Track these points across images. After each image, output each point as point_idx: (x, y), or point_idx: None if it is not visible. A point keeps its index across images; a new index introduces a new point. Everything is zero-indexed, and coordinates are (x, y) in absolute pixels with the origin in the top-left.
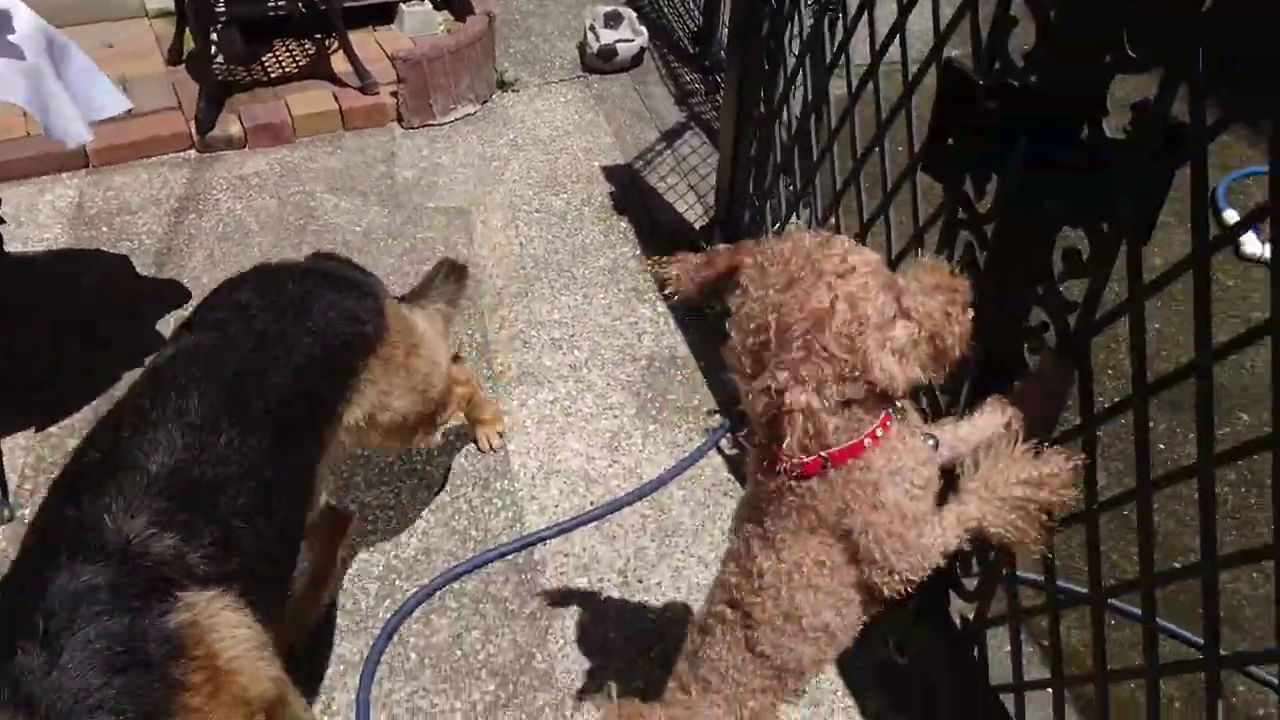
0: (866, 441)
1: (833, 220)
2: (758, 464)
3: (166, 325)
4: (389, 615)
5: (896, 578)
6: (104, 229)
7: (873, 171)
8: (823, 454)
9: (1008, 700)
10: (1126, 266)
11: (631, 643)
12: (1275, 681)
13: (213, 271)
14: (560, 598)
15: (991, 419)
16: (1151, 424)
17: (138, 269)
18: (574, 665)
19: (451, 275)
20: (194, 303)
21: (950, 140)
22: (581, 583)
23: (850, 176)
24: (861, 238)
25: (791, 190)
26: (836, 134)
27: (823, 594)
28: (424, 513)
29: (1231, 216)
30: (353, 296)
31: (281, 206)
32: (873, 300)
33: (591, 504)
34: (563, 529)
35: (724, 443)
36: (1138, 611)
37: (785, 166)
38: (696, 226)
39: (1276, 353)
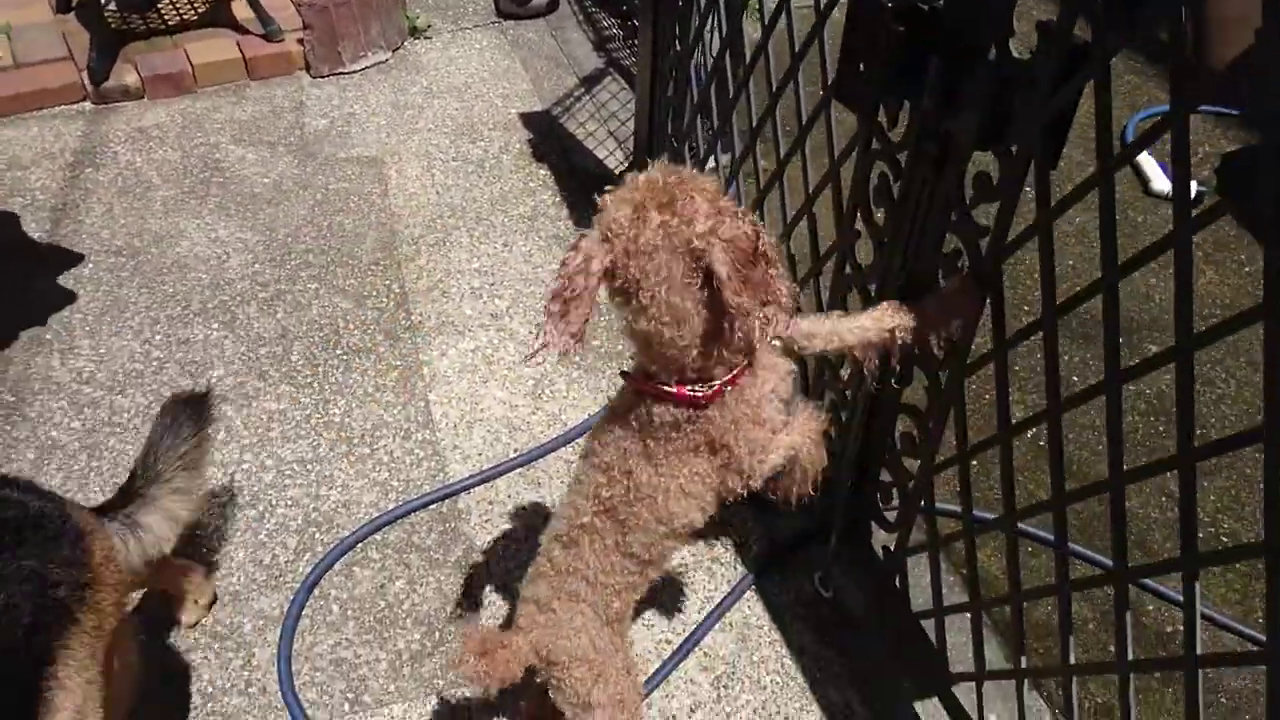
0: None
1: (750, 160)
2: (647, 399)
3: (65, 282)
4: (309, 569)
5: (749, 481)
6: None
7: (790, 108)
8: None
9: (928, 626)
10: (1035, 190)
11: None
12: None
13: (112, 226)
14: (486, 545)
15: (879, 320)
16: (1063, 356)
17: (31, 226)
18: (501, 611)
19: (185, 425)
20: (92, 260)
21: (861, 65)
22: (506, 529)
23: (766, 112)
24: (779, 175)
25: (709, 130)
26: (751, 70)
27: (694, 500)
28: (342, 465)
29: (1142, 157)
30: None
31: (185, 159)
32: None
33: (515, 451)
34: (486, 476)
35: None
36: (1050, 537)
37: (702, 106)
38: (616, 171)
39: (1179, 278)
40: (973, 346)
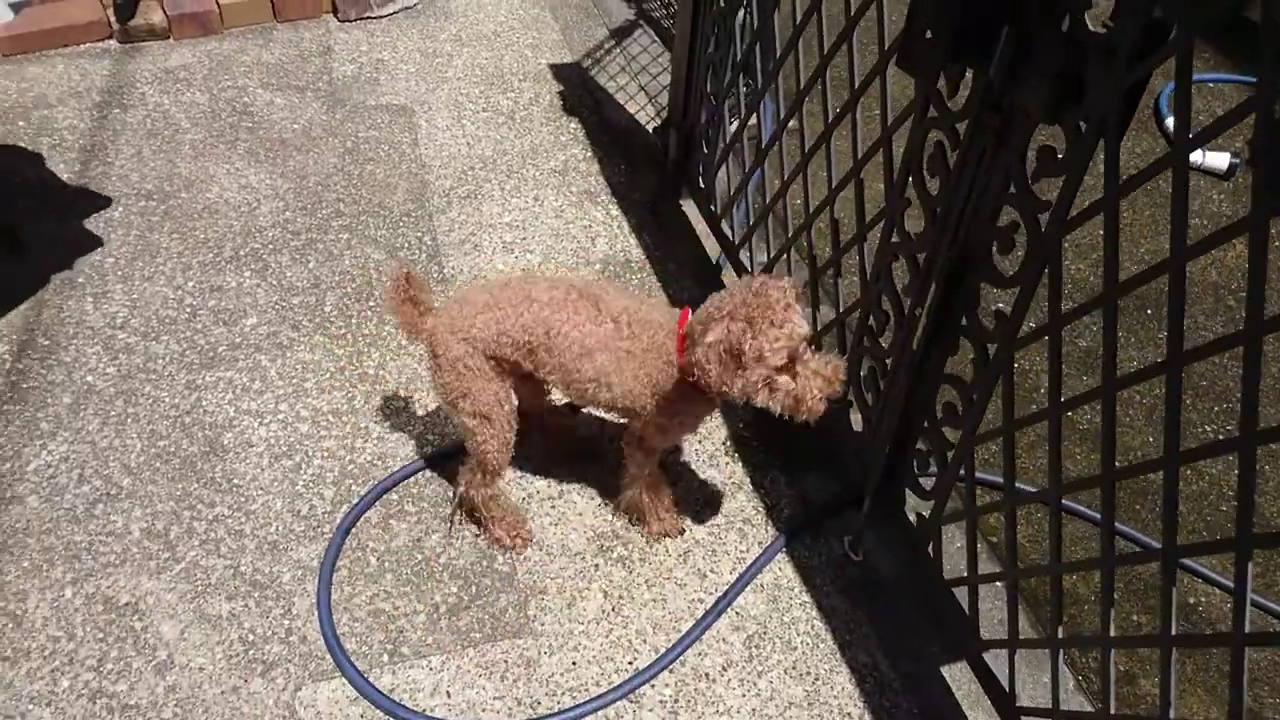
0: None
1: (794, 122)
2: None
3: (95, 226)
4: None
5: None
6: (21, 123)
7: (839, 71)
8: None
9: (960, 594)
10: (1105, 165)
11: (593, 543)
12: (1218, 578)
13: (141, 169)
14: (521, 501)
15: None
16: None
17: (60, 167)
18: (536, 566)
19: None
20: (122, 203)
21: (927, 31)
22: (541, 485)
23: (816, 73)
24: (826, 139)
25: (750, 90)
26: (802, 28)
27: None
28: (378, 417)
29: (1173, 124)
30: None
31: (213, 102)
32: (774, 351)
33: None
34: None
35: None
36: (1092, 513)
37: (745, 64)
38: (649, 128)
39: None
40: (1024, 319)
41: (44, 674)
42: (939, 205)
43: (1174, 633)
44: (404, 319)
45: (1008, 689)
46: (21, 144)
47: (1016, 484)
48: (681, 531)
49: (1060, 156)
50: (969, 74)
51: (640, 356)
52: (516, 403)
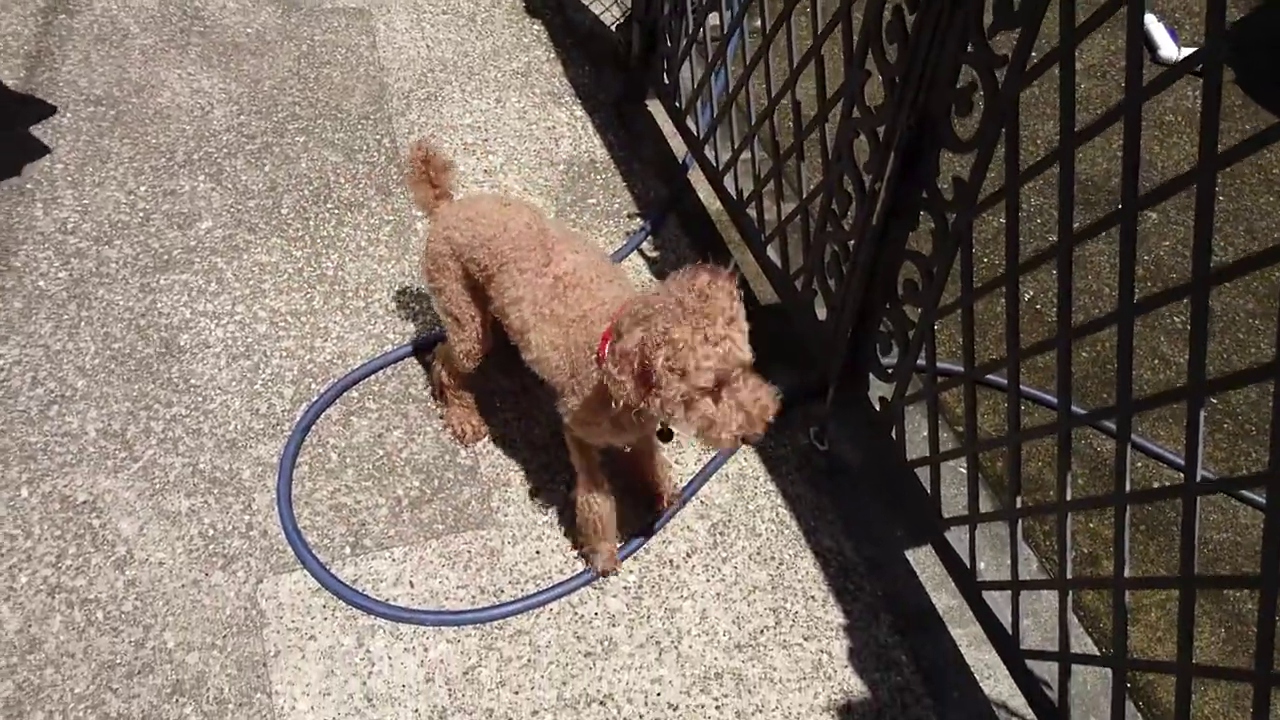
0: None
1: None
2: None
3: (43, 132)
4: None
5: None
6: None
7: None
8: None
9: (922, 475)
10: (1061, 12)
11: (556, 436)
12: (1168, 454)
13: (90, 75)
14: (484, 398)
15: None
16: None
17: (5, 74)
18: (499, 460)
19: None
20: (70, 109)
21: None
22: (505, 382)
23: None
24: (785, 18)
25: None
26: None
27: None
28: (337, 318)
29: (1149, 21)
30: None
31: (163, 6)
32: (702, 371)
33: None
34: None
35: (645, 245)
36: (1048, 396)
37: None
38: (612, 27)
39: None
40: (981, 186)
41: (1, 570)
42: (897, 73)
43: (1129, 490)
44: (420, 197)
45: (968, 564)
46: None
47: (974, 362)
48: (607, 572)
49: (1016, 8)
50: None
51: (565, 327)
52: (479, 320)
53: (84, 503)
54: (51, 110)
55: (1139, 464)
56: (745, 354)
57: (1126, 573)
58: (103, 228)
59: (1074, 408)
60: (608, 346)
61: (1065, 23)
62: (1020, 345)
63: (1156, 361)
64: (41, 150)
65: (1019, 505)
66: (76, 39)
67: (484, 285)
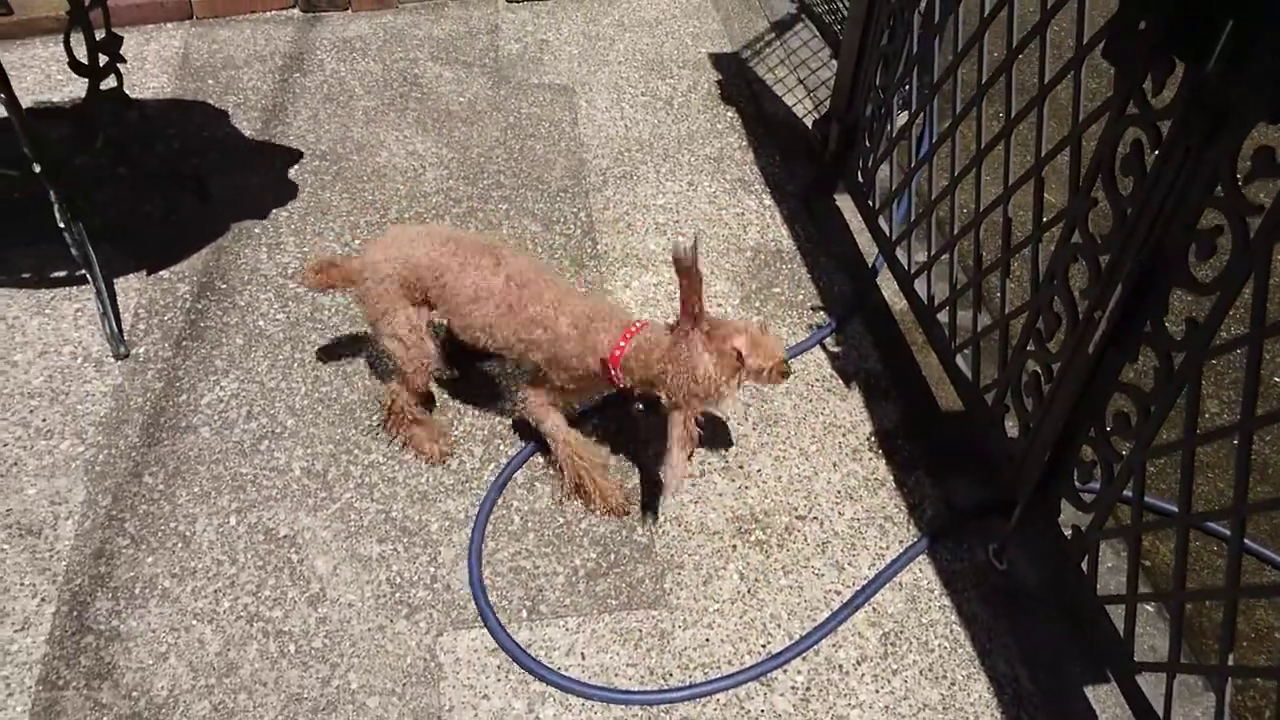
0: None
1: (973, 117)
2: None
3: (275, 182)
4: (493, 477)
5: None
6: (210, 81)
7: (1025, 69)
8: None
9: (1112, 613)
10: None
11: (731, 524)
12: None
13: (317, 131)
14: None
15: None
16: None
17: (244, 124)
18: (674, 542)
19: None
20: (298, 161)
21: (1140, 22)
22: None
23: (1001, 67)
24: (1006, 135)
25: (925, 85)
26: (991, 20)
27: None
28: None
29: None
30: None
31: (385, 71)
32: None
33: None
34: None
35: (828, 340)
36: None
37: (922, 59)
38: (806, 121)
39: None
40: (1218, 330)
41: (208, 593)
42: (1130, 206)
43: None
44: (329, 281)
45: (1163, 716)
46: (210, 101)
47: (1191, 506)
48: (622, 512)
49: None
50: (1178, 67)
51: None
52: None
53: (285, 537)
54: (284, 163)
55: None
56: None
57: None
58: None
59: None
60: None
61: None
62: (1248, 497)
63: None
64: (271, 198)
65: (1230, 664)
66: (308, 97)
67: (429, 293)
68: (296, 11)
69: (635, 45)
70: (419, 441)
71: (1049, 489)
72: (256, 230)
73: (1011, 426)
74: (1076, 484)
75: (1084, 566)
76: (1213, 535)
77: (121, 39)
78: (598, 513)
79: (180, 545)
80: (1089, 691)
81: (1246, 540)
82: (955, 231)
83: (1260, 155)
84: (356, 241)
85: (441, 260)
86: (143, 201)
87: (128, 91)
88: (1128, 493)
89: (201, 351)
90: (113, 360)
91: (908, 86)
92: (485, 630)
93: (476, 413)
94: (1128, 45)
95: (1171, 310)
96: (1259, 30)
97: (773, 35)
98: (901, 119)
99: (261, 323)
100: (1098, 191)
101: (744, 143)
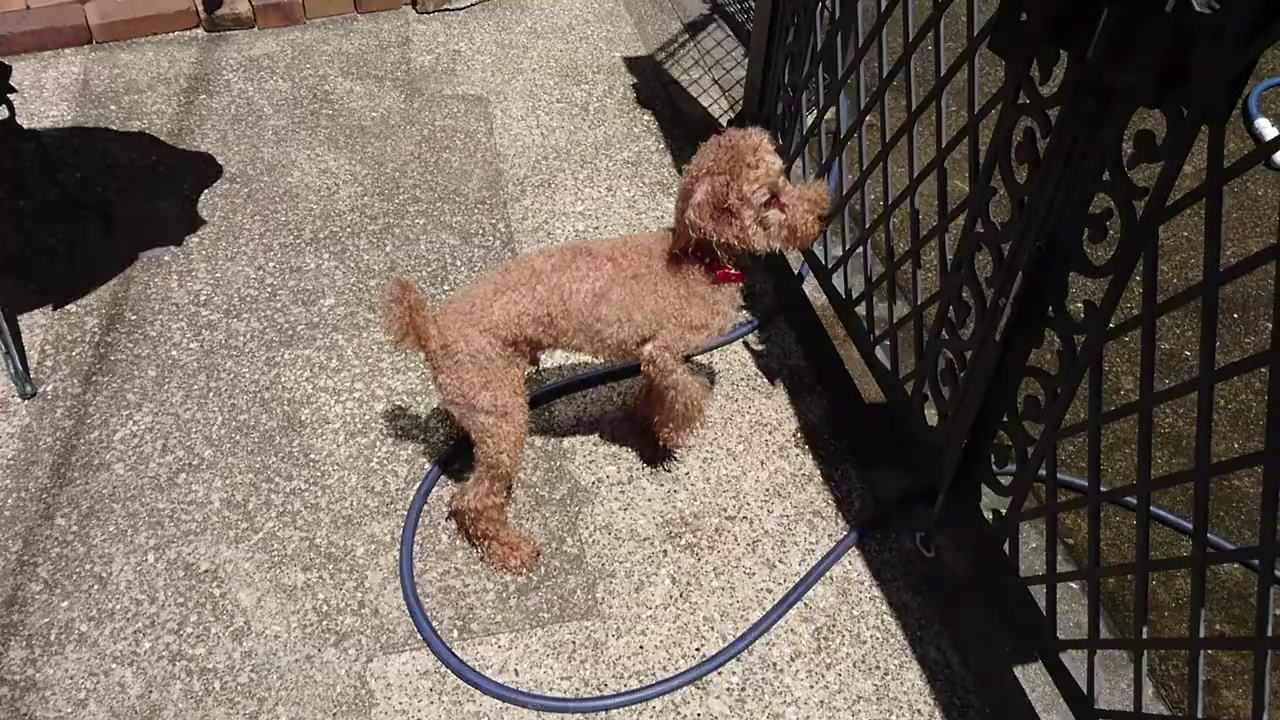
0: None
1: (877, 110)
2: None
3: (184, 207)
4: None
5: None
6: (112, 107)
7: (923, 60)
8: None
9: (1036, 593)
10: (1209, 150)
11: (661, 529)
12: None
13: (226, 153)
14: (590, 485)
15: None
16: (1182, 332)
17: (150, 149)
18: (604, 550)
19: None
20: (211, 185)
21: (1024, 15)
22: (611, 470)
23: (900, 61)
24: (908, 128)
25: (829, 81)
26: (888, 14)
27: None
28: None
29: (1263, 125)
30: None
31: (295, 89)
32: (755, 191)
33: (621, 396)
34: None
35: (751, 338)
36: (1181, 521)
37: (826, 55)
38: (723, 121)
39: None
40: (1114, 311)
41: (127, 635)
42: (1027, 194)
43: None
44: (410, 328)
45: (1086, 691)
46: (113, 127)
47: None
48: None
49: (1160, 142)
50: (1063, 56)
51: (651, 278)
52: (521, 397)
53: (206, 571)
54: (191, 187)
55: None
56: (779, 163)
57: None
58: (232, 301)
59: (1212, 537)
60: (689, 204)
61: (1214, 160)
62: (1151, 470)
63: None
64: (179, 224)
65: (1145, 636)
66: (215, 119)
67: (544, 336)
68: (200, 31)
69: (549, 52)
70: (505, 556)
71: (969, 474)
72: (166, 258)
73: (932, 415)
74: (994, 468)
75: (1006, 549)
76: (1131, 509)
77: (10, 68)
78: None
79: (97, 587)
80: (1018, 671)
81: (1163, 511)
82: (867, 227)
83: (1142, 139)
84: (271, 265)
85: (550, 289)
86: (45, 234)
87: (25, 122)
88: (1044, 473)
89: (113, 386)
90: (19, 400)
91: (814, 83)
92: (416, 653)
93: (399, 430)
94: (1013, 37)
95: (1073, 295)
96: (1136, 17)
97: (686, 36)
98: (811, 117)
99: (174, 353)
100: (997, 181)
101: (662, 145)
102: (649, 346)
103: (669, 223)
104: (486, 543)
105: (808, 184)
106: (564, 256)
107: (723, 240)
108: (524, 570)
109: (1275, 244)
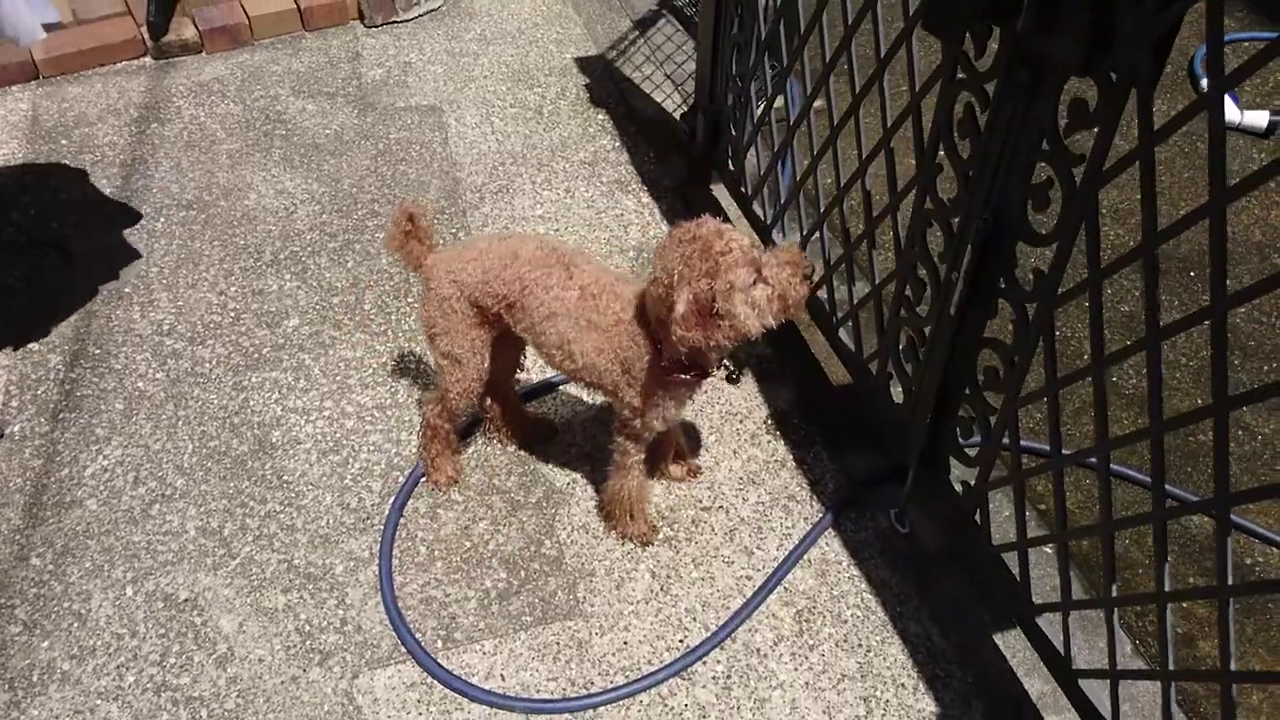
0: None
1: (822, 95)
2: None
3: (139, 237)
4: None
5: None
6: (63, 141)
7: (865, 45)
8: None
9: (1009, 560)
10: (1139, 115)
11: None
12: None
13: (181, 180)
14: (565, 486)
15: None
16: (1132, 290)
17: (103, 182)
18: (583, 550)
19: None
20: (164, 214)
21: None
22: (585, 470)
23: (841, 45)
24: (853, 111)
25: (775, 69)
26: (825, 2)
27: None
28: (421, 411)
29: (1203, 81)
30: None
31: (247, 112)
32: (740, 274)
33: (592, 398)
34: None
35: None
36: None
37: (770, 44)
38: (676, 115)
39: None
40: (1062, 277)
41: (110, 670)
42: (971, 168)
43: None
44: (408, 254)
45: (1063, 652)
46: (65, 161)
47: (1062, 448)
48: (649, 541)
49: (1092, 109)
50: (996, 32)
51: (605, 330)
52: (488, 363)
53: (185, 600)
54: (148, 216)
55: (1238, 540)
56: (747, 239)
57: (1233, 665)
58: (196, 328)
59: (1170, 488)
60: (673, 319)
61: (1144, 123)
62: (1109, 429)
63: (1241, 433)
64: (138, 254)
65: (1115, 594)
66: (168, 146)
67: (504, 315)
68: (148, 59)
69: (500, 58)
70: (432, 463)
71: (937, 449)
72: (127, 290)
73: (897, 392)
74: (960, 440)
75: (978, 519)
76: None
77: None
78: (619, 532)
79: (76, 624)
80: (998, 639)
81: (1130, 469)
82: (822, 210)
83: (1075, 107)
84: (233, 289)
85: (515, 276)
86: (2, 273)
87: None
88: (1008, 442)
89: (80, 422)
90: None
91: (761, 73)
92: (401, 666)
93: (371, 445)
94: (945, 14)
95: (1023, 265)
96: None
97: (636, 33)
98: (761, 106)
99: (141, 384)
100: (942, 158)
101: (617, 144)
102: (616, 417)
103: (628, 220)
104: (428, 458)
105: (779, 248)
106: (549, 256)
107: (713, 344)
108: (437, 487)
109: (1206, 203)
